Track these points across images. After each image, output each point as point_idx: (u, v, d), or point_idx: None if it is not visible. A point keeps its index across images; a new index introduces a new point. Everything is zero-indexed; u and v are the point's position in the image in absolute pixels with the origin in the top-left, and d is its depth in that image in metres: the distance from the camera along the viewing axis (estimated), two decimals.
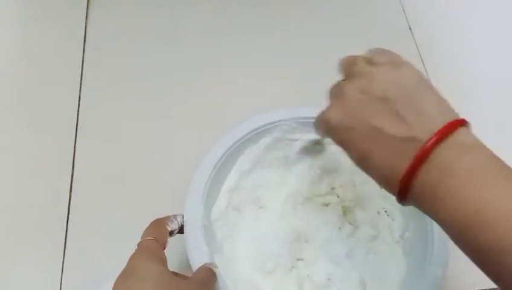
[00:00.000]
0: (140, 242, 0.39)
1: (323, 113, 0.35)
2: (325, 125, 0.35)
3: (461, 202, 0.27)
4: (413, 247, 0.45)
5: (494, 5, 0.68)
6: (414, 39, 0.65)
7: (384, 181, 0.32)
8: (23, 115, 0.58)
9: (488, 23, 0.67)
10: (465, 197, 0.27)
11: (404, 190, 0.30)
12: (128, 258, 0.37)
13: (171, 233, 0.41)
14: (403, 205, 0.31)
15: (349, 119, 0.33)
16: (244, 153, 0.48)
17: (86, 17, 0.65)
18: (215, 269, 0.40)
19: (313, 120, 0.38)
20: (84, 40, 0.63)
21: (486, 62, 0.63)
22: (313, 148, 0.49)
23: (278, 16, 0.67)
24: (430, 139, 0.29)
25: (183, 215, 0.43)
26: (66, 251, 0.49)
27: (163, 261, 0.38)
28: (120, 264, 0.45)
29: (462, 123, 0.30)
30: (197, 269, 0.39)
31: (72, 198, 0.52)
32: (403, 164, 0.29)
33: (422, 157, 0.29)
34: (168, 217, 0.42)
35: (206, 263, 0.40)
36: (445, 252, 0.41)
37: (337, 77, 0.61)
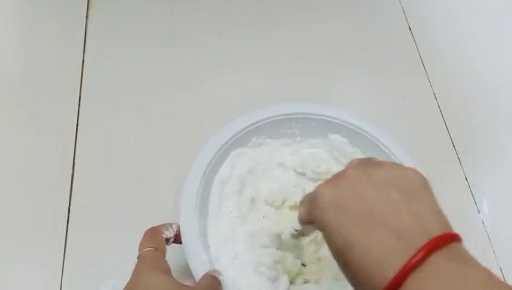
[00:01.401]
0: (140, 254, 0.38)
1: (313, 190, 0.32)
2: (312, 202, 0.31)
3: None
4: None
5: (494, 5, 0.68)
6: (414, 39, 0.65)
7: (363, 278, 0.27)
8: (23, 115, 0.58)
9: (488, 23, 0.67)
10: None
11: None
12: (132, 271, 0.37)
13: (167, 241, 0.41)
14: None
15: (340, 195, 0.29)
16: (232, 154, 0.49)
17: (86, 17, 0.65)
18: (219, 277, 0.40)
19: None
20: (85, 40, 0.63)
21: (487, 62, 0.63)
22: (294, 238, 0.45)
23: (277, 16, 0.67)
24: (428, 243, 0.26)
25: (178, 224, 0.43)
26: (66, 251, 0.49)
27: (167, 270, 0.38)
28: (120, 264, 0.45)
29: (457, 238, 0.27)
30: (202, 277, 0.39)
31: (72, 198, 0.52)
32: (392, 263, 0.26)
33: (418, 260, 0.25)
34: (163, 225, 0.41)
35: (209, 271, 0.40)
36: None
37: (336, 77, 0.61)
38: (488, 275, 0.26)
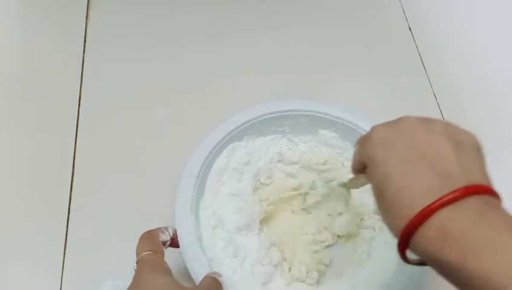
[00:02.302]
0: (139, 258, 0.38)
1: (369, 130, 0.33)
2: (366, 138, 0.32)
3: (487, 255, 0.25)
4: None
5: (494, 5, 0.68)
6: (414, 39, 0.65)
7: (393, 210, 0.29)
8: (23, 114, 0.58)
9: (488, 23, 0.67)
10: (485, 256, 0.25)
11: (416, 224, 0.27)
12: (133, 275, 0.37)
13: (164, 244, 0.41)
14: (401, 257, 0.29)
15: (395, 136, 0.30)
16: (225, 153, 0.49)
17: (86, 17, 0.65)
18: (219, 279, 0.40)
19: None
20: (85, 40, 0.63)
21: (487, 62, 0.63)
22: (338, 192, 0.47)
23: (277, 15, 0.67)
24: (468, 187, 0.27)
25: (174, 228, 0.43)
26: (66, 250, 0.49)
27: (168, 271, 0.38)
28: (120, 264, 0.45)
29: (498, 196, 0.29)
30: (202, 279, 0.39)
31: (72, 198, 0.52)
32: (426, 199, 0.27)
33: (455, 198, 0.27)
34: (159, 229, 0.41)
35: (210, 273, 0.40)
36: None
37: (335, 77, 0.61)
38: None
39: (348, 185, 0.44)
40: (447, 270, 0.27)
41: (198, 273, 0.40)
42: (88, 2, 0.67)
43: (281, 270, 0.45)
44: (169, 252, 0.41)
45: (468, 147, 0.30)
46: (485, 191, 0.28)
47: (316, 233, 0.47)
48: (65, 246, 0.49)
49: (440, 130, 0.30)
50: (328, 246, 0.47)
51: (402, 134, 0.30)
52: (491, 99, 0.60)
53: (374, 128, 0.32)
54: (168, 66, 0.61)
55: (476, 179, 0.28)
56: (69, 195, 0.52)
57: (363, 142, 0.33)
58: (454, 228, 0.26)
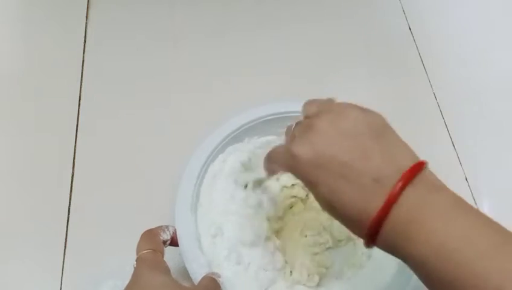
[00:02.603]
0: (139, 256, 0.38)
1: (287, 147, 0.34)
2: (292, 162, 0.33)
3: (433, 235, 0.28)
4: None
5: (494, 5, 0.68)
6: (414, 39, 0.65)
7: (352, 222, 0.31)
8: (23, 114, 0.58)
9: (488, 23, 0.67)
10: (438, 230, 0.28)
11: (375, 230, 0.30)
12: (132, 273, 0.37)
13: (164, 243, 0.41)
14: (369, 247, 0.31)
15: (318, 155, 0.31)
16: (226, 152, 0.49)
17: (86, 17, 0.65)
18: (218, 279, 0.40)
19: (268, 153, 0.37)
20: (85, 40, 0.63)
21: (487, 62, 0.63)
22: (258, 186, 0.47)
23: (278, 15, 0.67)
24: (401, 179, 0.29)
25: (173, 227, 0.43)
26: (66, 250, 0.49)
27: (167, 271, 0.38)
28: (120, 264, 0.45)
29: (424, 165, 0.31)
30: (201, 279, 0.39)
31: (72, 198, 0.52)
32: (374, 204, 0.29)
33: (395, 197, 0.29)
34: (159, 228, 0.42)
35: (209, 273, 0.40)
36: None
37: (335, 77, 0.61)
38: (453, 197, 0.30)
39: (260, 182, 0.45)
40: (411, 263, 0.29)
41: (197, 274, 0.40)
42: (88, 2, 0.67)
43: (283, 273, 0.45)
44: (168, 251, 0.41)
45: (379, 130, 0.32)
46: (414, 173, 0.30)
47: (316, 235, 0.47)
48: (65, 246, 0.49)
49: (349, 127, 0.32)
50: (329, 248, 0.47)
51: (323, 149, 0.31)
52: (491, 99, 0.60)
53: (294, 150, 0.32)
54: (168, 66, 0.61)
55: (402, 165, 0.30)
56: (69, 195, 0.52)
57: (290, 164, 0.33)
58: (402, 225, 0.29)
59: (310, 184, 0.32)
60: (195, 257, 0.41)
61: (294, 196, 0.49)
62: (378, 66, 0.63)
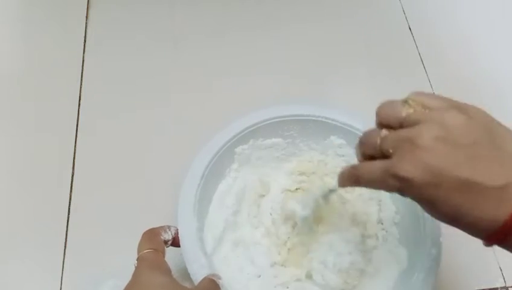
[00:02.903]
0: (140, 255, 0.38)
1: (387, 168, 0.31)
2: (400, 185, 0.30)
3: None
4: (406, 231, 0.45)
5: (494, 4, 0.68)
6: (414, 39, 0.65)
7: (478, 229, 0.29)
8: (23, 115, 0.58)
9: (488, 23, 0.67)
10: None
11: (504, 235, 0.28)
12: (132, 273, 0.37)
13: (165, 243, 0.41)
14: (489, 245, 0.30)
15: (434, 174, 0.29)
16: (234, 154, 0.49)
17: (86, 17, 0.65)
18: (218, 281, 0.39)
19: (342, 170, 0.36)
20: (85, 40, 0.63)
21: (487, 62, 0.63)
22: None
23: (278, 15, 0.67)
24: None
25: (176, 227, 0.43)
26: (66, 250, 0.49)
27: (167, 271, 0.38)
28: (120, 264, 0.45)
29: None
30: (201, 280, 0.39)
31: (72, 198, 0.52)
32: (503, 211, 0.28)
33: None
34: (161, 227, 0.41)
35: (209, 274, 0.40)
36: (438, 231, 0.42)
37: (335, 77, 0.61)
38: None
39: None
40: None
41: (198, 275, 0.40)
42: (88, 2, 0.67)
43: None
44: (169, 251, 0.41)
45: (490, 128, 0.30)
46: None
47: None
48: (65, 246, 0.49)
49: (460, 134, 0.29)
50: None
51: (438, 166, 0.29)
52: (492, 99, 0.60)
53: (395, 165, 0.30)
54: (168, 66, 0.61)
55: None
56: (69, 195, 0.52)
57: (404, 187, 0.30)
58: None
59: (427, 204, 0.30)
60: (196, 258, 0.41)
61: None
62: (378, 66, 0.63)
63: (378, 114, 0.33)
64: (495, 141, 0.29)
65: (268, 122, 0.49)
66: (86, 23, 0.65)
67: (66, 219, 0.50)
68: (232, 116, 0.49)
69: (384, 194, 0.48)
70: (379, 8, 0.68)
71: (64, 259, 0.48)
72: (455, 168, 0.28)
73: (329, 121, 0.49)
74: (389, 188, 0.31)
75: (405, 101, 0.32)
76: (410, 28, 0.66)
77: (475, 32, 0.66)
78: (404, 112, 0.31)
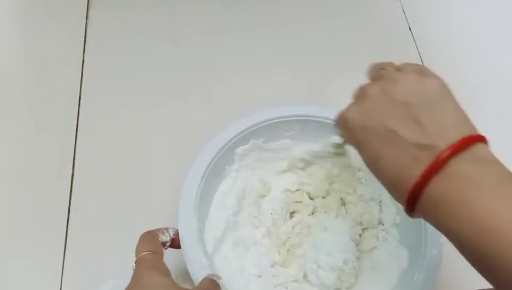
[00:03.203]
0: (138, 258, 0.38)
1: (342, 111, 0.35)
2: (343, 123, 0.35)
3: (476, 211, 0.27)
4: (407, 232, 0.45)
5: (494, 5, 0.68)
6: (414, 39, 0.65)
7: (393, 186, 0.31)
8: (23, 115, 0.58)
9: (488, 23, 0.67)
10: (481, 207, 0.27)
11: (414, 197, 0.29)
12: (131, 275, 0.37)
13: (163, 245, 0.41)
14: (410, 216, 0.31)
15: (366, 118, 0.33)
16: (233, 157, 0.49)
17: (86, 17, 0.65)
18: (218, 281, 0.40)
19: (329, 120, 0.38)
20: (85, 40, 0.63)
21: (487, 62, 0.63)
22: (335, 152, 0.48)
23: (278, 15, 0.67)
24: (447, 149, 0.29)
25: (174, 229, 0.43)
26: (66, 250, 0.49)
27: (166, 272, 0.38)
28: (120, 264, 0.45)
29: (480, 139, 0.30)
30: (201, 281, 0.39)
31: (72, 198, 0.52)
32: (415, 171, 0.29)
33: (437, 166, 0.28)
34: (159, 230, 0.41)
35: (209, 275, 0.40)
36: (439, 232, 0.42)
37: (335, 77, 0.61)
38: (501, 172, 0.29)
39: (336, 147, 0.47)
40: (453, 236, 0.29)
41: (198, 275, 0.40)
42: (88, 2, 0.67)
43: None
44: (169, 252, 0.41)
45: (434, 98, 0.32)
46: (464, 146, 0.29)
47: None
48: (65, 246, 0.49)
49: (402, 95, 0.32)
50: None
51: (371, 114, 0.32)
52: (492, 99, 0.60)
53: (346, 113, 0.35)
54: (168, 66, 0.61)
55: (452, 136, 0.29)
56: (69, 195, 0.52)
57: (343, 126, 0.35)
58: (443, 198, 0.28)
59: (356, 145, 0.34)
60: (196, 258, 0.41)
61: (299, 201, 0.49)
62: None
63: (367, 70, 0.39)
64: (433, 109, 0.31)
65: (268, 122, 0.49)
66: (86, 23, 0.65)
67: (66, 219, 0.50)
68: (232, 116, 0.49)
69: (385, 195, 0.48)
70: (379, 8, 0.68)
71: (64, 259, 0.48)
72: (385, 117, 0.31)
73: (330, 122, 0.49)
74: (339, 129, 0.36)
75: (385, 64, 0.37)
76: (410, 28, 0.66)
77: (475, 32, 0.66)
78: (377, 70, 0.37)
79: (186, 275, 0.42)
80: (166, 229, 0.42)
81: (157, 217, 0.46)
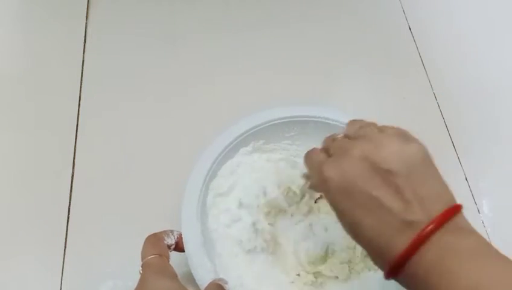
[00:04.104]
0: (145, 262, 0.38)
1: (319, 165, 0.34)
2: (323, 184, 0.33)
3: (461, 279, 0.27)
4: None
5: (494, 5, 0.68)
6: (414, 39, 0.65)
7: (375, 254, 0.32)
8: (23, 114, 0.58)
9: (488, 23, 0.67)
10: (466, 275, 0.27)
11: (398, 267, 0.30)
12: (138, 280, 0.36)
13: (168, 248, 0.41)
14: (389, 279, 0.31)
15: (348, 184, 0.32)
16: (233, 158, 0.49)
17: (86, 17, 0.65)
18: (224, 285, 0.39)
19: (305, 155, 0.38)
20: (85, 40, 0.63)
21: (487, 62, 0.63)
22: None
23: (277, 14, 0.67)
24: (430, 223, 0.29)
25: (178, 232, 0.42)
26: (66, 250, 0.49)
27: (174, 276, 0.37)
28: (120, 264, 0.45)
29: (459, 209, 0.31)
30: (207, 286, 0.39)
31: (72, 198, 0.52)
32: (399, 244, 0.29)
33: (421, 240, 0.29)
34: (164, 232, 0.41)
35: (215, 279, 0.40)
36: None
37: (335, 77, 0.61)
38: (480, 242, 0.29)
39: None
40: None
41: (204, 280, 0.40)
42: (88, 1, 0.67)
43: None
44: (173, 256, 0.41)
45: (416, 165, 0.31)
46: (445, 219, 0.29)
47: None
48: (65, 246, 0.49)
49: (384, 162, 0.31)
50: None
51: (355, 179, 0.31)
52: (491, 99, 0.60)
53: (326, 169, 0.33)
54: (169, 65, 0.61)
55: (434, 210, 0.30)
56: (69, 195, 0.52)
57: (321, 185, 0.34)
58: (425, 267, 0.29)
59: (337, 211, 0.33)
60: (201, 263, 0.41)
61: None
62: (378, 66, 0.63)
63: (347, 124, 0.38)
64: (416, 179, 0.31)
65: (268, 124, 0.49)
66: (86, 22, 0.65)
67: (66, 219, 0.50)
68: (233, 116, 0.49)
69: None
70: (379, 8, 0.68)
71: (64, 259, 0.48)
72: (368, 186, 0.31)
73: (330, 122, 0.49)
74: (314, 184, 0.36)
75: (367, 124, 0.36)
76: (410, 28, 0.66)
77: (475, 32, 0.66)
78: (358, 127, 0.36)
79: (191, 279, 0.41)
80: (171, 231, 0.42)
81: (157, 218, 0.46)
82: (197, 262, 0.41)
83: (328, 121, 0.49)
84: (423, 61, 0.63)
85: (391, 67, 0.63)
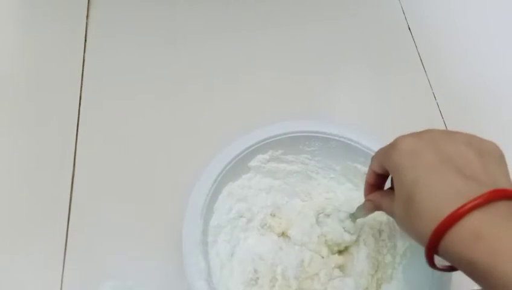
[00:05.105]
0: None
1: (393, 140, 0.34)
2: (390, 148, 0.34)
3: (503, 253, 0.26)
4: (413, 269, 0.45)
5: (494, 5, 0.68)
6: (414, 39, 0.65)
7: (420, 219, 0.30)
8: (24, 114, 0.58)
9: (487, 23, 0.67)
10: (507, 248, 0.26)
11: (443, 230, 0.28)
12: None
13: None
14: (432, 250, 0.30)
15: (421, 145, 0.32)
16: (247, 166, 0.48)
17: (87, 16, 0.65)
18: None
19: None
20: (85, 40, 0.63)
21: (486, 62, 0.63)
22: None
23: (278, 15, 0.67)
24: (499, 190, 0.28)
25: None
26: (66, 250, 0.49)
27: None
28: (120, 264, 0.45)
29: None
30: None
31: (72, 198, 0.52)
32: (456, 202, 0.28)
33: (477, 205, 0.28)
34: None
35: None
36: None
37: (335, 77, 0.61)
38: None
39: (355, 215, 0.45)
40: (477, 273, 0.27)
41: (193, 279, 0.40)
42: (89, 1, 0.67)
43: None
44: (170, 254, 0.41)
45: (492, 155, 0.31)
46: (508, 193, 0.28)
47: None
48: (65, 246, 0.49)
49: (463, 140, 0.32)
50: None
51: (428, 143, 0.32)
52: (491, 99, 0.60)
53: (399, 138, 0.34)
54: (169, 65, 0.61)
55: (501, 184, 0.29)
56: (69, 195, 0.52)
57: (387, 151, 0.34)
58: (485, 230, 0.27)
59: (397, 168, 0.32)
60: (195, 261, 0.41)
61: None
62: (378, 66, 0.63)
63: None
64: (487, 161, 0.31)
65: (289, 135, 0.48)
66: (87, 22, 0.65)
67: (66, 219, 0.50)
68: (235, 115, 0.49)
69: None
70: (379, 8, 0.68)
71: (64, 259, 0.48)
72: (440, 149, 0.31)
73: (352, 143, 0.48)
74: (379, 157, 0.36)
75: None
76: (409, 28, 0.66)
77: (475, 32, 0.66)
78: None
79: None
80: None
81: (158, 218, 0.46)
82: (191, 261, 0.41)
83: (350, 142, 0.48)
84: (422, 61, 0.63)
85: (391, 67, 0.63)
